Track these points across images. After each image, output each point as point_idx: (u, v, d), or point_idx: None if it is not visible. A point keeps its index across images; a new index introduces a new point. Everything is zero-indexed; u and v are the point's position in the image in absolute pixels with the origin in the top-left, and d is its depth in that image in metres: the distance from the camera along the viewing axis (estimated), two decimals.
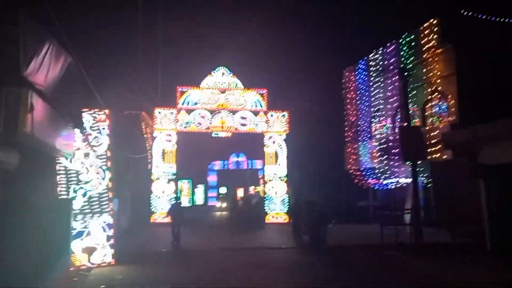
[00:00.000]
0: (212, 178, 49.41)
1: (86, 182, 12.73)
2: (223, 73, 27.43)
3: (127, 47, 19.47)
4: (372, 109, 23.02)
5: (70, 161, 12.64)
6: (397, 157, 20.77)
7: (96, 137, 13.03)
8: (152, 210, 25.97)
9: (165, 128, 26.80)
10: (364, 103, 23.54)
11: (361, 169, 23.89)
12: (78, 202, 12.58)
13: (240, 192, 45.15)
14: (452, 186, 16.74)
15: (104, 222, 12.77)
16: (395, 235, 14.89)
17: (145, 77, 24.17)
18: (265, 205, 25.94)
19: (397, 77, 20.83)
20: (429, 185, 19.66)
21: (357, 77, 24.09)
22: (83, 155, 12.81)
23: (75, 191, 12.63)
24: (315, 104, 26.77)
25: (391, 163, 21.09)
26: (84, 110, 12.88)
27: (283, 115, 27.33)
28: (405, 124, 14.13)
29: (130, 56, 22.00)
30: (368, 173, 23.49)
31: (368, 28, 24.62)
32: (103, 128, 13.11)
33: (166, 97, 27.43)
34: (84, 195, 12.69)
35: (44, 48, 8.51)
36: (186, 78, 27.77)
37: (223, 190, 48.38)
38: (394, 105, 21.24)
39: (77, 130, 12.58)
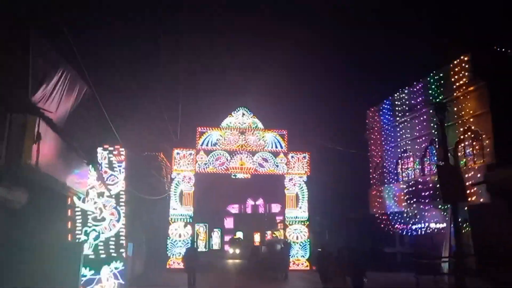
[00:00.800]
0: (229, 222, 47.85)
1: (99, 224, 11.65)
2: (243, 114, 26.67)
3: (147, 83, 18.85)
4: (398, 150, 21.80)
5: (83, 201, 11.62)
6: (427, 200, 19.36)
7: (111, 175, 12.05)
8: (168, 254, 24.61)
9: (183, 170, 25.82)
10: (390, 144, 22.36)
11: (387, 213, 22.43)
12: (90, 246, 11.47)
13: (257, 237, 43.33)
14: (493, 231, 15.22)
15: (117, 268, 11.58)
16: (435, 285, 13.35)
17: (164, 117, 23.50)
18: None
19: (425, 116, 19.80)
20: (464, 231, 18.11)
21: (382, 117, 23.03)
22: (96, 194, 11.80)
23: (86, 234, 11.53)
24: (337, 145, 25.65)
25: (420, 206, 19.65)
26: (100, 147, 12.00)
27: (304, 156, 26.22)
28: (443, 163, 12.88)
29: (150, 94, 21.41)
30: (395, 218, 22.00)
31: (393, 66, 23.83)
32: (120, 167, 12.15)
33: (185, 138, 26.67)
34: (97, 238, 11.58)
35: (57, 74, 7.69)
36: (205, 119, 27.10)
37: (239, 234, 46.16)
38: (423, 145, 20.03)
39: (91, 168, 11.65)
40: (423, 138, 19.87)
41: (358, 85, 25.43)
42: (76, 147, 9.54)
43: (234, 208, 47.72)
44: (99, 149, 11.99)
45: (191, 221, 25.56)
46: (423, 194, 19.52)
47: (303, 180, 25.95)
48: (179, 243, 24.84)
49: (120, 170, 12.13)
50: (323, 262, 15.12)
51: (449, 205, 17.07)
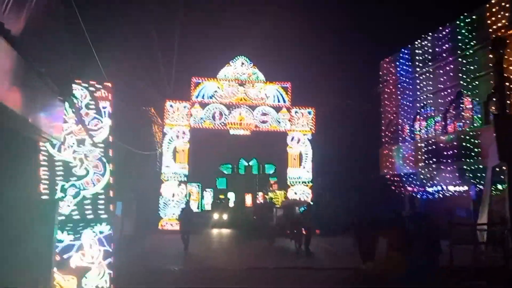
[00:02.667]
0: (221, 183, 45.69)
1: (79, 178, 9.26)
2: (242, 63, 24.05)
3: (139, 18, 16.13)
4: (417, 105, 19.52)
5: (59, 150, 9.19)
6: (449, 160, 17.26)
7: (95, 118, 9.57)
8: (160, 215, 22.50)
9: (177, 124, 23.38)
10: (407, 98, 20.02)
11: (400, 174, 20.39)
12: (68, 205, 9.12)
13: (248, 199, 40.94)
14: None
15: (102, 233, 9.30)
16: (474, 257, 11.31)
17: (156, 57, 20.89)
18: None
19: (451, 66, 17.40)
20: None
21: (398, 69, 20.60)
22: (76, 141, 9.36)
23: (63, 190, 9.14)
24: (345, 100, 23.30)
25: (441, 167, 17.55)
26: (78, 80, 9.47)
27: (309, 112, 23.92)
28: (501, 113, 10.54)
29: (142, 31, 18.68)
30: (409, 179, 19.97)
31: (410, 12, 21.23)
32: (104, 108, 9.67)
33: (179, 90, 24.14)
34: (77, 195, 9.21)
35: None
36: (201, 70, 24.44)
37: (231, 196, 43.13)
38: (447, 99, 17.70)
39: (67, 106, 9.18)
40: (448, 90, 17.52)
41: (371, 34, 22.81)
42: (44, 73, 7.04)
43: (227, 168, 45.53)
44: (79, 86, 9.47)
45: (185, 179, 23.39)
46: (444, 153, 17.40)
47: (307, 138, 23.74)
48: (172, 203, 22.69)
49: (105, 113, 9.63)
50: (364, 235, 11.40)
51: (480, 166, 15.07)
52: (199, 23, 25.11)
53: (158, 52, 20.80)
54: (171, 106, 23.48)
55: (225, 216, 27.12)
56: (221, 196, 39.03)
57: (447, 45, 17.48)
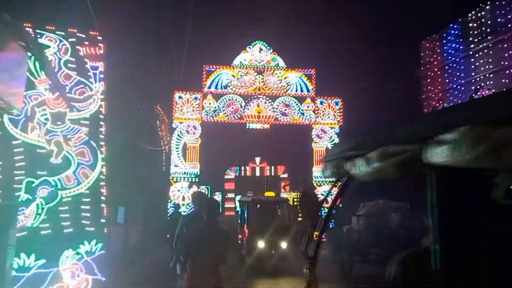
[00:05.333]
0: (229, 185, 42.30)
1: (56, 172, 6.00)
2: (260, 49, 20.76)
3: None
4: (471, 88, 16.26)
5: (23, 129, 5.94)
6: None
7: (80, 84, 6.31)
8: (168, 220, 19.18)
9: (187, 118, 20.15)
10: (457, 80, 16.76)
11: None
12: (38, 213, 5.85)
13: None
14: None
15: (90, 254, 6.00)
16: None
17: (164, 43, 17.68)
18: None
19: None
20: None
21: (445, 47, 17.35)
22: (50, 117, 6.10)
23: (30, 190, 5.85)
24: (379, 88, 20.00)
25: None
26: (49, 27, 6.22)
27: (336, 102, 20.60)
28: None
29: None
30: None
31: None
32: (95, 69, 6.42)
33: (189, 79, 20.85)
34: (51, 198, 5.93)
35: None
36: (214, 57, 21.16)
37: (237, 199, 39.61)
38: None
39: (33, 62, 5.94)
40: None
41: (405, 12, 19.51)
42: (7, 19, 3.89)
43: (234, 170, 42.13)
44: (53, 35, 6.22)
45: (196, 180, 20.11)
46: None
47: (334, 132, 20.44)
48: (182, 208, 19.41)
49: (95, 75, 6.37)
50: None
51: None
52: (212, 5, 21.81)
53: (167, 34, 17.57)
54: (180, 97, 20.27)
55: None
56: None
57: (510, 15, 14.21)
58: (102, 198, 6.17)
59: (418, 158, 1.72)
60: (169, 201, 19.43)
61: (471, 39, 16.00)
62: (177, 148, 20.03)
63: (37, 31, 6.01)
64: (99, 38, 6.40)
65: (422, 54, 18.73)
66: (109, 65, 6.62)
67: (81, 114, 6.20)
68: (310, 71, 20.65)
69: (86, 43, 6.33)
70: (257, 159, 32.55)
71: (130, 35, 12.62)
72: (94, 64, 6.35)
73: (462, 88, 16.65)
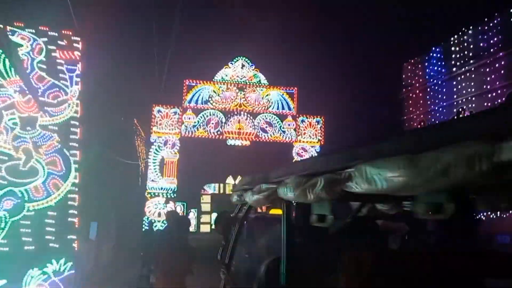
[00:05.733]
0: (206, 201, 41.45)
1: (24, 183, 5.44)
2: (242, 65, 20.50)
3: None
4: (453, 110, 16.24)
5: None
6: None
7: (54, 86, 5.80)
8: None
9: (165, 132, 19.61)
10: (439, 103, 16.74)
11: None
12: (0, 227, 5.25)
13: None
14: None
15: (59, 274, 5.41)
16: None
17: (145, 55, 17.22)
18: None
19: (502, 62, 14.21)
20: None
21: (428, 70, 17.36)
22: (19, 121, 5.56)
23: None
24: (360, 108, 19.91)
25: None
26: (18, 24, 5.72)
27: (318, 121, 20.41)
28: None
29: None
30: None
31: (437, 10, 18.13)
32: (72, 71, 5.93)
33: (169, 93, 20.34)
34: (17, 211, 5.35)
35: None
36: (195, 71, 20.76)
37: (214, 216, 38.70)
38: (496, 101, 14.42)
39: (7, 66, 5.42)
40: (498, 91, 14.26)
41: (387, 34, 19.61)
42: None
43: (211, 187, 41.41)
44: (24, 32, 5.72)
45: (173, 196, 19.49)
46: None
47: (315, 150, 20.22)
48: (158, 224, 18.68)
49: (72, 79, 5.87)
50: None
51: None
52: (195, 18, 21.52)
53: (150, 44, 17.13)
54: (159, 111, 19.74)
55: None
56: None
57: (495, 38, 14.31)
58: (73, 211, 5.63)
59: (276, 194, 2.43)
60: (145, 217, 18.71)
61: (453, 62, 16.07)
62: (154, 162, 19.42)
63: (9, 28, 5.51)
64: (76, 38, 5.93)
65: (404, 76, 18.75)
66: (87, 67, 6.13)
67: (54, 119, 5.68)
68: (292, 90, 20.46)
69: (63, 43, 5.85)
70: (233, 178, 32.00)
71: (111, 40, 12.14)
72: (70, 67, 5.86)
73: (444, 111, 16.64)
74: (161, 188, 19.21)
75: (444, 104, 16.62)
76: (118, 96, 15.60)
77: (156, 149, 19.44)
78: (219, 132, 19.87)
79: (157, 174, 19.22)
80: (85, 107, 5.98)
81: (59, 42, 5.87)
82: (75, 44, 5.94)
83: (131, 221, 18.03)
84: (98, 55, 8.12)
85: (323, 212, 2.11)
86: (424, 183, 1.30)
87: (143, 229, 17.93)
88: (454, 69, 16.03)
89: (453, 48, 16.16)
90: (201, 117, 19.80)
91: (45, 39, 5.79)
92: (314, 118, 20.32)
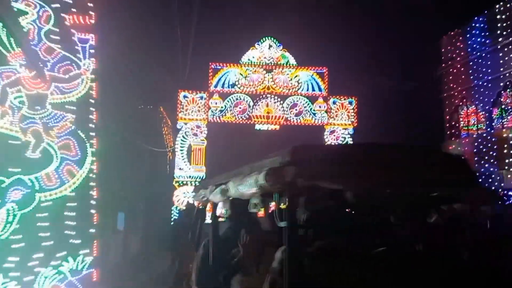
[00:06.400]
0: None
1: (34, 169, 4.73)
2: (270, 46, 19.46)
3: None
4: (499, 84, 14.93)
5: None
6: None
7: (65, 59, 5.06)
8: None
9: (192, 118, 18.86)
10: (483, 77, 15.46)
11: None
12: (9, 221, 4.57)
13: None
14: None
15: (76, 273, 4.71)
16: None
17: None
18: None
19: None
20: None
21: (469, 42, 16.01)
22: (27, 100, 4.84)
23: None
24: (395, 86, 18.68)
25: None
26: None
27: (350, 102, 19.25)
28: None
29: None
30: (487, 181, 15.28)
31: None
32: (84, 42, 5.17)
33: (195, 78, 19.58)
34: (27, 202, 4.66)
35: None
36: (221, 54, 19.87)
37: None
38: None
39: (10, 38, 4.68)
40: None
41: (422, 7, 18.22)
42: None
43: None
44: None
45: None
46: None
47: (348, 133, 19.11)
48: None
49: (85, 51, 5.09)
50: None
51: None
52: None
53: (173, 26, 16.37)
54: (185, 97, 18.98)
55: None
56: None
57: None
58: (92, 202, 4.90)
59: (207, 197, 3.69)
60: (173, 206, 18.16)
61: (499, 32, 14.71)
62: (181, 150, 18.75)
63: None
64: (90, 4, 5.14)
65: (443, 50, 17.41)
66: (103, 39, 5.36)
67: (66, 97, 4.94)
68: (323, 69, 19.34)
69: (74, 10, 5.08)
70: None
71: (129, 21, 11.39)
72: (83, 37, 5.09)
73: (489, 85, 15.31)
74: (189, 177, 18.55)
75: (489, 78, 15.28)
76: (140, 81, 14.98)
77: (183, 136, 18.76)
78: (247, 117, 19.02)
79: (184, 162, 18.57)
80: (101, 83, 5.20)
81: (71, 9, 5.09)
82: (89, 11, 5.15)
83: (159, 211, 17.53)
84: (115, 22, 7.34)
85: (226, 208, 3.37)
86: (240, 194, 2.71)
87: (174, 218, 17.39)
88: (500, 39, 14.66)
89: (498, 17, 14.78)
90: (228, 101, 18.96)
91: (56, 5, 5.03)
92: (346, 99, 19.22)
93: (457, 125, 17.15)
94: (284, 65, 19.38)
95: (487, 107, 15.62)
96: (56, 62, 4.95)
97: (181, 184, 18.53)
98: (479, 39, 15.74)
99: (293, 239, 2.36)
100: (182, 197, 18.25)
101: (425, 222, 2.76)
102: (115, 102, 7.60)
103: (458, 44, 16.75)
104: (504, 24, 14.61)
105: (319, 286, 2.32)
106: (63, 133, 4.85)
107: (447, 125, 17.39)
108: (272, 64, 19.28)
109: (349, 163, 2.33)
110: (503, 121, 15.14)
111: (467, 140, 16.39)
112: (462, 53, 16.49)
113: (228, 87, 19.11)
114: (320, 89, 19.27)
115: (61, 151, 4.81)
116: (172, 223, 16.52)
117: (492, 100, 15.38)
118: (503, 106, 15.16)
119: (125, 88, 10.29)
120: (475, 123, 16.34)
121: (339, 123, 19.18)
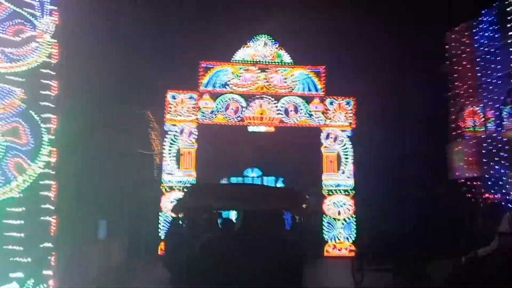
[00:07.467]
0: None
1: None
2: (264, 43, 18.44)
3: None
4: (510, 81, 13.98)
5: None
6: None
7: (13, 15, 3.82)
8: (160, 237, 16.47)
9: (181, 120, 17.74)
10: (491, 74, 14.50)
11: (481, 177, 14.71)
12: None
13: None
14: None
15: None
16: None
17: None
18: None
19: None
20: None
21: (477, 37, 15.06)
22: None
23: None
24: (396, 85, 17.70)
25: None
26: None
27: (348, 103, 18.31)
28: None
29: None
30: (497, 184, 14.26)
31: None
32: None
33: (184, 77, 18.38)
34: None
35: None
36: (213, 52, 18.73)
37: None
38: None
39: None
40: None
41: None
42: None
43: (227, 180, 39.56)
44: None
45: None
46: None
47: (346, 135, 18.08)
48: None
49: (43, 8, 3.82)
50: None
51: None
52: None
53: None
54: (173, 97, 17.90)
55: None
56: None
57: None
58: (48, 206, 3.61)
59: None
60: (160, 212, 16.86)
61: (508, 25, 13.80)
62: (169, 153, 17.54)
63: None
64: None
65: (448, 47, 16.48)
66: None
67: (14, 66, 3.66)
68: (319, 68, 18.35)
69: None
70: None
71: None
72: None
73: (499, 82, 14.37)
74: (179, 182, 17.28)
75: (499, 74, 14.34)
76: (126, 78, 13.72)
77: (171, 139, 17.51)
78: (239, 118, 17.86)
79: (173, 166, 17.30)
80: (65, 51, 3.94)
81: None
82: None
83: (145, 218, 16.21)
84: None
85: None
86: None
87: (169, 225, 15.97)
88: (510, 33, 13.73)
89: (508, 9, 13.86)
90: (219, 102, 17.81)
91: None
92: (344, 99, 18.19)
93: (463, 125, 16.17)
94: (279, 63, 18.30)
95: (496, 106, 14.64)
96: (3, 19, 3.68)
97: (168, 190, 17.26)
98: (487, 34, 14.81)
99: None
100: (170, 203, 16.97)
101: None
102: (85, 79, 6.30)
103: (464, 39, 15.82)
104: None
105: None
106: (9, 114, 3.57)
107: (453, 125, 16.41)
108: (267, 63, 18.19)
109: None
110: None
111: (474, 141, 15.38)
112: (468, 49, 15.56)
113: (220, 87, 17.96)
114: (316, 89, 18.22)
115: (6, 137, 3.52)
116: (166, 234, 15.08)
117: (502, 98, 14.41)
118: None
119: (99, 59, 8.90)
120: (483, 123, 15.37)
121: (336, 124, 18.14)
